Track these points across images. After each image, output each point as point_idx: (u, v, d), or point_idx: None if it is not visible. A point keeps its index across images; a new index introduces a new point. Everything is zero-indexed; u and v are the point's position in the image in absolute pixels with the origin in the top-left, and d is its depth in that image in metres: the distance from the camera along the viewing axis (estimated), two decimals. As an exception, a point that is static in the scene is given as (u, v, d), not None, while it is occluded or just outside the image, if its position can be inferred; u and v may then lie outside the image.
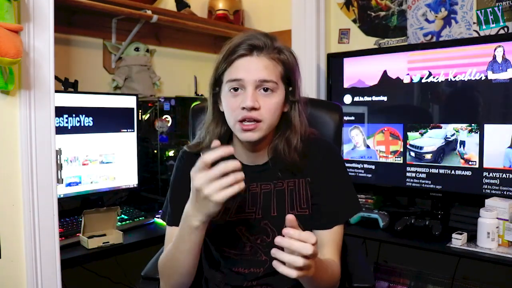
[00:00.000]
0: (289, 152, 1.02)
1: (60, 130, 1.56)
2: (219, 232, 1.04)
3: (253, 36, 0.97)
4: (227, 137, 1.07)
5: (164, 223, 1.10)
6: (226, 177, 0.80)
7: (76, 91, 1.81)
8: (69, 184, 1.64)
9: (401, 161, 1.86)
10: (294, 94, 1.02)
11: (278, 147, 1.03)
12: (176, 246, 0.94)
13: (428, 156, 1.79)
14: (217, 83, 1.01)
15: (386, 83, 1.88)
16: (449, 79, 1.73)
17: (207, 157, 0.80)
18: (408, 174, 1.85)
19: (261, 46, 0.96)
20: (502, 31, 1.77)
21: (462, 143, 1.71)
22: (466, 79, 1.69)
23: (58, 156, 1.26)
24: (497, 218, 1.47)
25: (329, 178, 1.05)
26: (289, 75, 1.00)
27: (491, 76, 1.63)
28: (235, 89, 0.96)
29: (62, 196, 1.59)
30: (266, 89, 0.96)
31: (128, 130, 1.85)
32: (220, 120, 1.04)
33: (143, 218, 1.70)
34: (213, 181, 0.80)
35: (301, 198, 1.05)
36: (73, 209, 1.73)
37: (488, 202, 1.52)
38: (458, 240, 1.52)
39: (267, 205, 1.04)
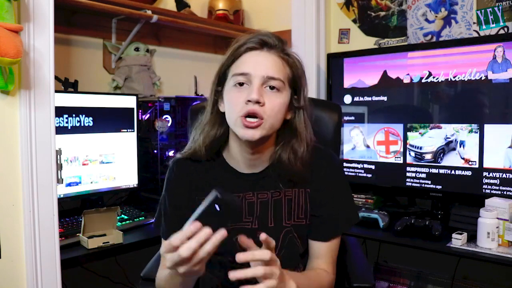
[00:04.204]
0: (296, 161, 0.97)
1: (60, 130, 1.56)
2: None
3: (265, 33, 0.96)
4: (221, 142, 1.03)
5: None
6: (196, 255, 0.74)
7: (76, 91, 1.81)
8: (69, 184, 1.64)
9: (401, 161, 1.86)
10: (299, 101, 0.98)
11: (282, 157, 0.98)
12: (170, 282, 0.93)
13: (428, 156, 1.79)
14: (220, 80, 0.98)
15: (386, 83, 1.88)
16: (449, 79, 1.73)
17: (174, 241, 0.73)
18: (408, 174, 1.85)
19: (272, 44, 0.94)
20: (502, 31, 1.77)
21: (462, 143, 1.71)
22: (466, 79, 1.69)
23: (58, 156, 1.26)
24: (497, 218, 1.47)
25: (330, 191, 1.03)
26: (296, 80, 0.98)
27: (491, 76, 1.63)
28: (241, 84, 0.92)
29: (62, 196, 1.59)
30: (272, 87, 0.92)
31: (128, 130, 1.85)
32: (218, 121, 1.00)
33: (143, 218, 1.70)
34: (183, 262, 0.75)
35: (299, 209, 1.02)
36: (73, 209, 1.73)
37: (488, 202, 1.52)
38: (458, 240, 1.52)
39: (263, 215, 1.02)
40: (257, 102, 0.90)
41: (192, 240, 0.73)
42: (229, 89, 0.95)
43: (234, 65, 0.95)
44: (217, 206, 0.72)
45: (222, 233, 0.74)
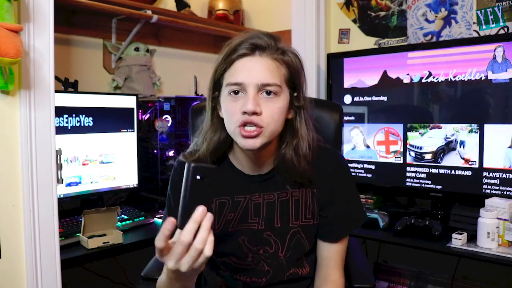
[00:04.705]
0: (299, 161, 0.95)
1: (60, 130, 1.56)
2: (219, 242, 1.00)
3: (255, 35, 0.91)
4: (226, 145, 1.00)
5: None
6: (198, 241, 0.72)
7: (76, 91, 1.81)
8: (69, 184, 1.64)
9: (401, 161, 1.86)
10: (299, 99, 0.95)
11: (286, 157, 0.96)
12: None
13: (428, 156, 1.79)
14: (216, 86, 0.95)
15: (386, 83, 1.88)
16: (449, 79, 1.73)
17: (158, 243, 0.72)
18: (408, 174, 1.85)
19: (264, 45, 0.90)
20: (502, 31, 1.77)
21: (462, 143, 1.71)
22: (466, 79, 1.69)
23: (58, 156, 1.26)
24: (497, 218, 1.47)
25: (337, 190, 1.02)
26: (294, 79, 0.94)
27: (491, 76, 1.63)
28: (235, 92, 0.89)
29: (62, 196, 1.59)
30: (268, 93, 0.89)
31: (128, 130, 1.85)
32: (219, 127, 0.98)
33: (143, 218, 1.70)
34: (184, 256, 0.73)
35: (307, 209, 1.01)
36: (73, 209, 1.73)
37: (488, 202, 1.52)
38: (458, 240, 1.52)
39: (270, 216, 1.01)
40: (254, 113, 0.87)
41: (190, 221, 0.72)
42: (224, 98, 0.93)
43: (228, 73, 0.91)
44: (198, 176, 0.73)
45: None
